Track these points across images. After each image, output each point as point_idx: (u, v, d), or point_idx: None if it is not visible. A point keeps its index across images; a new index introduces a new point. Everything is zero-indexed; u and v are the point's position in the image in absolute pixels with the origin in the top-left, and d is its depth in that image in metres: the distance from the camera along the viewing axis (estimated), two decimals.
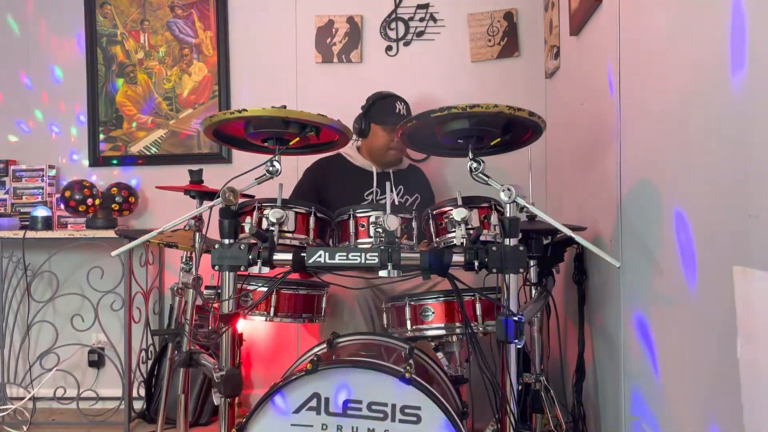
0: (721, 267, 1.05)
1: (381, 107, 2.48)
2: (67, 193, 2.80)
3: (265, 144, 1.58)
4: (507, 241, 1.44)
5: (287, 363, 1.89)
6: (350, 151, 2.53)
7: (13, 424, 2.69)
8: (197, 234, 1.86)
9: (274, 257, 1.50)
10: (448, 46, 2.93)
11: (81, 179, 2.87)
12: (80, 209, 2.81)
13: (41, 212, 2.78)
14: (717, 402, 1.10)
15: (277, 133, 1.54)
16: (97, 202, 2.80)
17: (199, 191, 1.96)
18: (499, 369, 1.51)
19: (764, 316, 0.91)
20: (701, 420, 1.17)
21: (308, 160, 2.58)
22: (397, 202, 2.46)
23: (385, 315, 1.89)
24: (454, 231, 1.53)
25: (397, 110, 2.46)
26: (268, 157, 1.53)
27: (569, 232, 1.41)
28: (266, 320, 1.78)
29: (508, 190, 1.41)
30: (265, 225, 1.56)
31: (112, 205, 2.82)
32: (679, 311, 1.28)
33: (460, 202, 1.56)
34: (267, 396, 1.52)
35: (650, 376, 1.47)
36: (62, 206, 2.86)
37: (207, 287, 1.69)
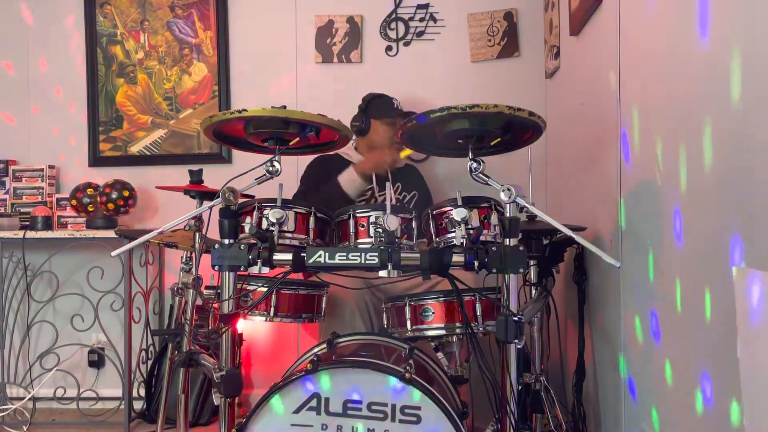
0: (721, 267, 1.05)
1: (378, 104, 2.56)
2: (74, 201, 2.82)
3: (265, 144, 1.58)
4: (507, 241, 1.44)
5: (287, 363, 1.89)
6: (348, 150, 2.55)
7: (13, 424, 2.69)
8: (197, 234, 1.86)
9: (274, 257, 1.50)
10: (448, 46, 2.93)
11: (86, 182, 2.88)
12: (82, 211, 2.83)
13: (41, 212, 2.78)
14: (718, 400, 1.10)
15: (277, 133, 1.54)
16: (103, 198, 2.81)
17: (199, 191, 1.96)
18: (499, 369, 1.51)
19: (764, 316, 0.91)
20: (702, 419, 1.17)
21: (308, 159, 2.59)
22: (395, 199, 2.48)
23: (385, 315, 1.89)
24: (454, 231, 1.53)
25: (395, 105, 2.55)
26: (268, 157, 1.53)
27: (569, 232, 1.41)
28: (266, 320, 1.78)
29: (508, 190, 1.41)
30: (265, 225, 1.56)
31: (111, 205, 2.81)
32: (678, 311, 1.28)
33: (460, 202, 1.56)
34: (267, 396, 1.52)
35: (651, 376, 1.47)
36: (67, 209, 2.89)
37: (207, 287, 1.69)
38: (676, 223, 1.28)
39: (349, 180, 2.40)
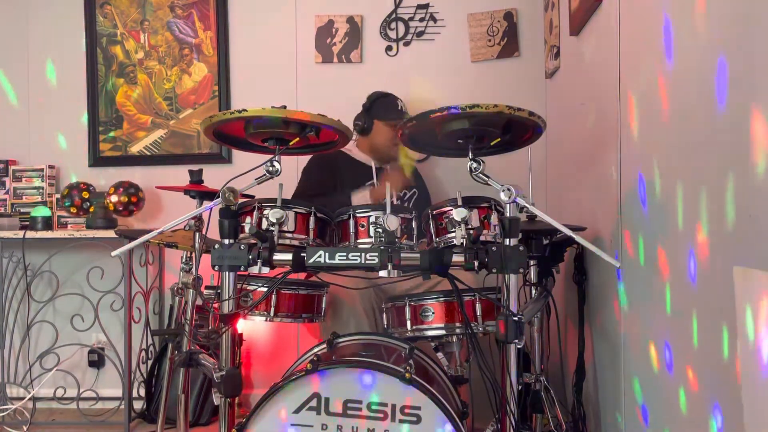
0: (722, 267, 1.05)
1: (383, 104, 2.55)
2: (73, 209, 2.82)
3: (265, 144, 1.58)
4: (507, 241, 1.44)
5: (287, 363, 1.89)
6: (349, 146, 2.55)
7: (13, 424, 2.69)
8: (197, 234, 1.86)
9: (274, 257, 1.50)
10: (448, 46, 2.93)
11: (80, 182, 2.88)
12: (81, 213, 2.83)
13: (41, 212, 2.78)
14: (718, 400, 1.10)
15: (277, 133, 1.54)
16: (108, 193, 2.81)
17: (199, 191, 1.96)
18: (499, 369, 1.51)
19: (764, 316, 0.91)
20: (703, 418, 1.17)
21: (308, 159, 2.59)
22: (395, 196, 2.48)
23: (385, 315, 1.89)
24: (454, 231, 1.53)
25: (399, 107, 2.55)
26: (268, 157, 1.53)
27: (569, 232, 1.41)
28: (266, 320, 1.78)
29: (508, 190, 1.41)
30: (265, 225, 1.56)
31: (125, 198, 2.80)
32: (679, 311, 1.28)
33: (460, 202, 1.55)
34: (267, 396, 1.52)
35: (651, 376, 1.46)
36: (64, 211, 2.89)
37: (207, 287, 1.69)
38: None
39: (362, 200, 2.36)
